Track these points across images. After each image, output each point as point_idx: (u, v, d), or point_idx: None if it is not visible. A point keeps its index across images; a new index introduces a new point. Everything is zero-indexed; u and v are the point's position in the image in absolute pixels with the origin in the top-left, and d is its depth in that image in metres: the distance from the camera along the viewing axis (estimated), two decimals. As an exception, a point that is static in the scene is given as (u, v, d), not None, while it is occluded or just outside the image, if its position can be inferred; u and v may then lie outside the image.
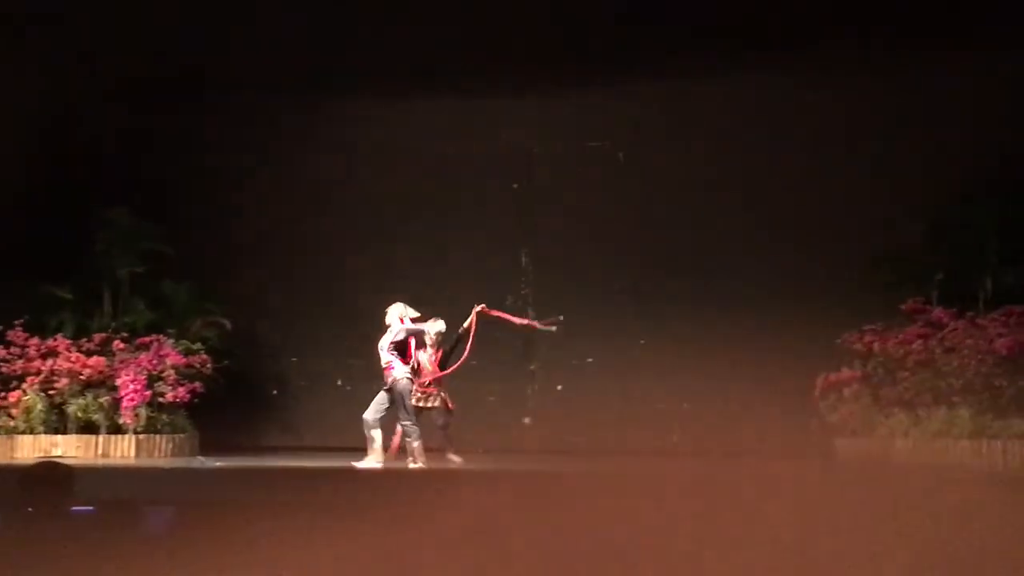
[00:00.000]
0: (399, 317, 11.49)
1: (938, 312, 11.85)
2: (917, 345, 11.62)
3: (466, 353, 11.49)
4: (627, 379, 13.76)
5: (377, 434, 11.41)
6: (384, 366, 11.38)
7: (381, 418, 11.43)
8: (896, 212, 12.67)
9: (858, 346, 11.98)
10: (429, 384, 11.57)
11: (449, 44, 14.05)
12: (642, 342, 13.80)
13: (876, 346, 11.87)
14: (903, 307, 11.99)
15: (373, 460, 11.30)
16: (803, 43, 13.09)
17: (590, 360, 13.90)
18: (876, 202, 12.92)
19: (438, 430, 11.65)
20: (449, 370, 11.54)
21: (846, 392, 11.91)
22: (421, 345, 11.59)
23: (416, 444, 11.28)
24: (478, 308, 11.63)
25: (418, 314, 11.57)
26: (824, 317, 12.58)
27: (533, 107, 14.20)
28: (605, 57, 13.72)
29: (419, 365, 11.56)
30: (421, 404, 11.53)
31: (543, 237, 14.16)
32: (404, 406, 11.30)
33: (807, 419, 12.17)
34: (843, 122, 13.27)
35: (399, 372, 11.35)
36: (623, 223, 13.91)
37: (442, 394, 11.65)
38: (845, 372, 11.99)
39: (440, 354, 11.64)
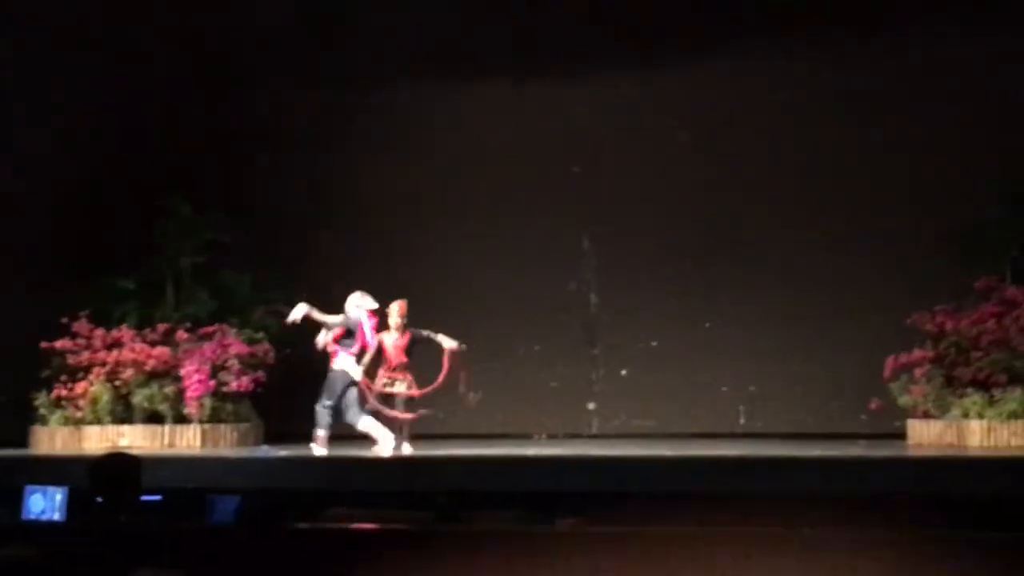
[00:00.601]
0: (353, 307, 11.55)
1: (1012, 290, 11.61)
2: (991, 324, 11.39)
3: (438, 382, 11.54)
4: (692, 362, 13.65)
5: (367, 422, 11.41)
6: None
7: (358, 409, 11.49)
8: (968, 186, 12.42)
9: (929, 326, 11.76)
10: (395, 369, 11.52)
11: (508, 26, 13.97)
12: (707, 325, 13.65)
13: (948, 325, 11.64)
14: (976, 285, 11.75)
15: (386, 446, 11.31)
16: (868, 16, 12.88)
17: (654, 344, 13.77)
18: (947, 177, 12.67)
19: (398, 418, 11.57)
20: (426, 389, 11.57)
21: (917, 373, 11.69)
22: (385, 327, 11.57)
23: (322, 433, 11.39)
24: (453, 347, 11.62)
25: (376, 305, 11.57)
26: (893, 296, 12.41)
27: (594, 89, 14.05)
28: (668, 35, 13.55)
29: (383, 349, 11.53)
30: (388, 389, 11.49)
31: (605, 220, 14.02)
32: (329, 391, 11.43)
33: (876, 401, 11.99)
34: (910, 95, 13.00)
35: (338, 363, 11.48)
36: (686, 205, 13.75)
37: (408, 378, 11.57)
38: (916, 353, 11.77)
39: (408, 337, 11.58)
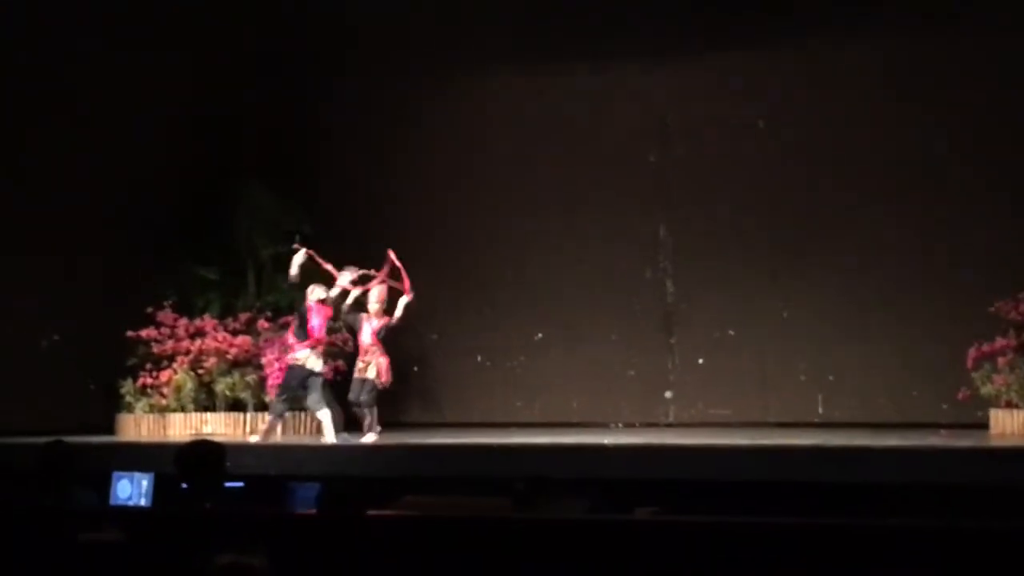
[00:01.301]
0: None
1: (1097, 278, 11.42)
2: (1077, 313, 11.21)
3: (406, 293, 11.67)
4: (769, 351, 13.56)
5: (322, 414, 11.60)
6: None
7: (318, 397, 11.65)
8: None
9: (1013, 314, 11.59)
10: (368, 353, 11.63)
11: (583, 14, 13.95)
12: (784, 314, 13.54)
13: (1033, 314, 11.48)
14: (1061, 272, 11.57)
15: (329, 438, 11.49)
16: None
17: (731, 332, 13.69)
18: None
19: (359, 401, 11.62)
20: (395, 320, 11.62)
21: (1000, 362, 11.53)
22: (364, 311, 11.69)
23: (274, 421, 11.61)
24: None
25: (325, 295, 11.69)
26: (976, 284, 12.24)
27: (669, 76, 13.98)
28: (744, 21, 13.45)
29: (359, 341, 11.68)
30: (359, 374, 11.60)
31: (681, 209, 13.96)
32: (283, 384, 11.68)
33: (958, 390, 11.85)
34: (998, 80, 12.73)
35: (295, 356, 11.68)
36: (763, 193, 13.64)
37: (379, 361, 11.59)
38: (999, 341, 11.61)
39: (384, 322, 11.66)
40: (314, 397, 11.68)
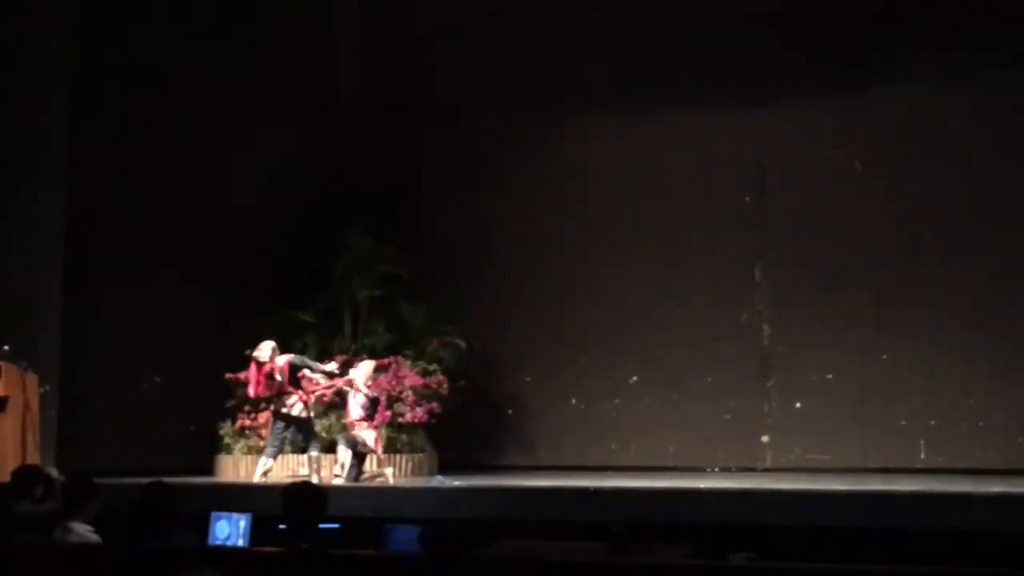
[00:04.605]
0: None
1: None
2: None
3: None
4: (868, 395, 13.37)
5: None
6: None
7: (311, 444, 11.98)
8: None
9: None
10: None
11: (678, 57, 13.98)
12: (884, 357, 13.34)
13: None
14: None
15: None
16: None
17: (830, 376, 13.51)
18: None
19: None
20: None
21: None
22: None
23: (269, 462, 11.78)
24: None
25: (261, 358, 11.79)
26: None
27: (764, 117, 13.93)
28: (841, 63, 13.38)
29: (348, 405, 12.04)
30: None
31: (777, 250, 13.86)
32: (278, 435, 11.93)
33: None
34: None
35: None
36: (861, 234, 13.51)
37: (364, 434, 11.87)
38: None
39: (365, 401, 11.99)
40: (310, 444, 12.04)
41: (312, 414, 12.21)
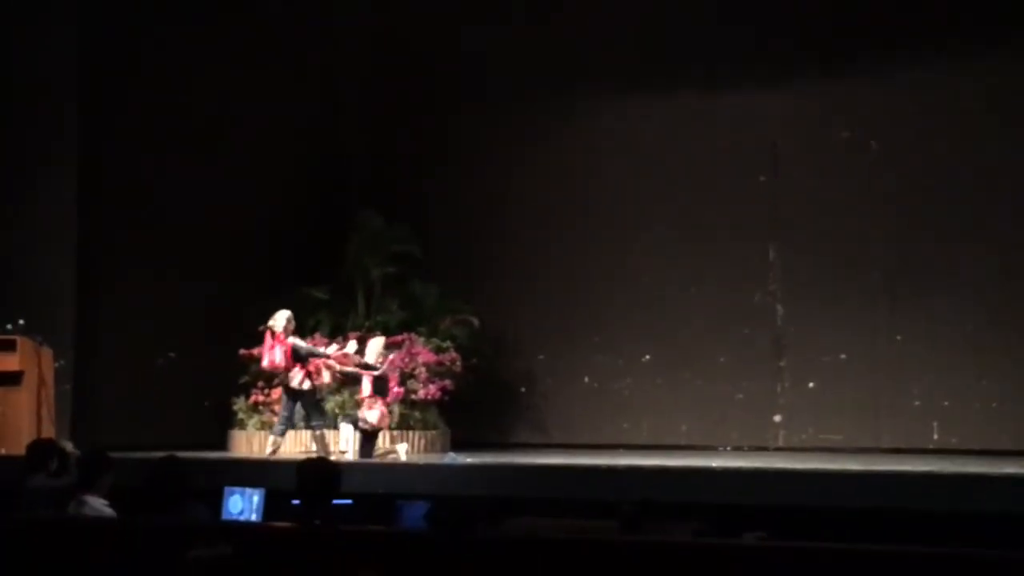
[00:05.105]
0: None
1: None
2: None
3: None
4: (882, 375, 13.36)
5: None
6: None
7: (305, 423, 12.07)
8: None
9: None
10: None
11: (691, 37, 13.93)
12: (898, 338, 13.32)
13: None
14: None
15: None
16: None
17: (843, 356, 13.50)
18: None
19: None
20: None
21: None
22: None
23: (277, 439, 11.87)
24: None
25: (266, 324, 11.89)
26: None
27: (779, 98, 13.88)
28: (856, 45, 13.33)
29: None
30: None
31: (791, 231, 13.83)
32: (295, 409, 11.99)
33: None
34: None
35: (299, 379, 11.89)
36: (875, 215, 13.46)
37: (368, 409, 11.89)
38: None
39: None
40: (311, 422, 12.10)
41: (317, 388, 12.20)
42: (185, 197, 13.45)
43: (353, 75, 15.36)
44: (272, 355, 11.91)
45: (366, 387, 11.98)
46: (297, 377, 11.89)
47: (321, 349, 12.24)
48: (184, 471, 7.06)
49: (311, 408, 12.10)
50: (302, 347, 12.03)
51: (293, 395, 11.99)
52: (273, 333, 11.89)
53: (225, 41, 13.81)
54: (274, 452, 11.86)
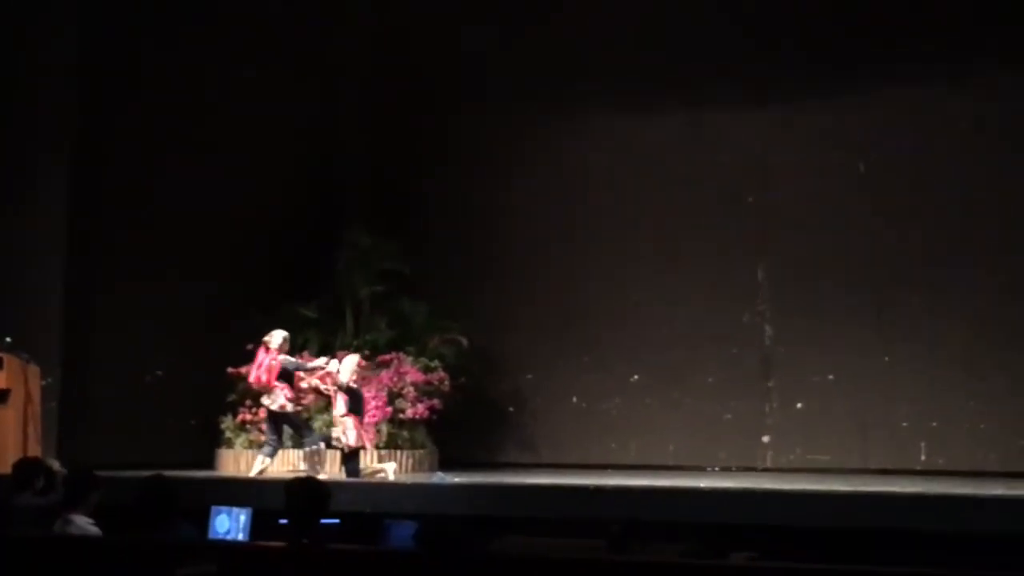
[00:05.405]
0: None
1: None
2: None
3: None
4: (869, 396, 13.37)
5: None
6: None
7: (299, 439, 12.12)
8: None
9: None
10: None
11: (681, 55, 13.98)
12: (886, 358, 13.34)
13: None
14: None
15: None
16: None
17: (831, 377, 13.52)
18: None
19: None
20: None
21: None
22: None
23: (265, 460, 11.80)
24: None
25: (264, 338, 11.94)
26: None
27: (767, 117, 13.93)
28: (844, 66, 13.39)
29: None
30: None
31: (780, 251, 13.86)
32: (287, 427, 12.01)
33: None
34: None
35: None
36: (863, 235, 13.50)
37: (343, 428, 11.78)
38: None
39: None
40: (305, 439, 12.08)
41: (299, 408, 12.19)
42: (173, 217, 13.40)
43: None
44: (259, 371, 11.90)
45: (340, 406, 11.88)
46: (278, 400, 11.85)
47: (309, 365, 12.22)
48: (171, 490, 7.03)
49: (296, 427, 12.07)
50: (291, 363, 12.01)
51: (273, 416, 11.98)
52: (267, 349, 11.87)
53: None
54: (261, 473, 11.83)
